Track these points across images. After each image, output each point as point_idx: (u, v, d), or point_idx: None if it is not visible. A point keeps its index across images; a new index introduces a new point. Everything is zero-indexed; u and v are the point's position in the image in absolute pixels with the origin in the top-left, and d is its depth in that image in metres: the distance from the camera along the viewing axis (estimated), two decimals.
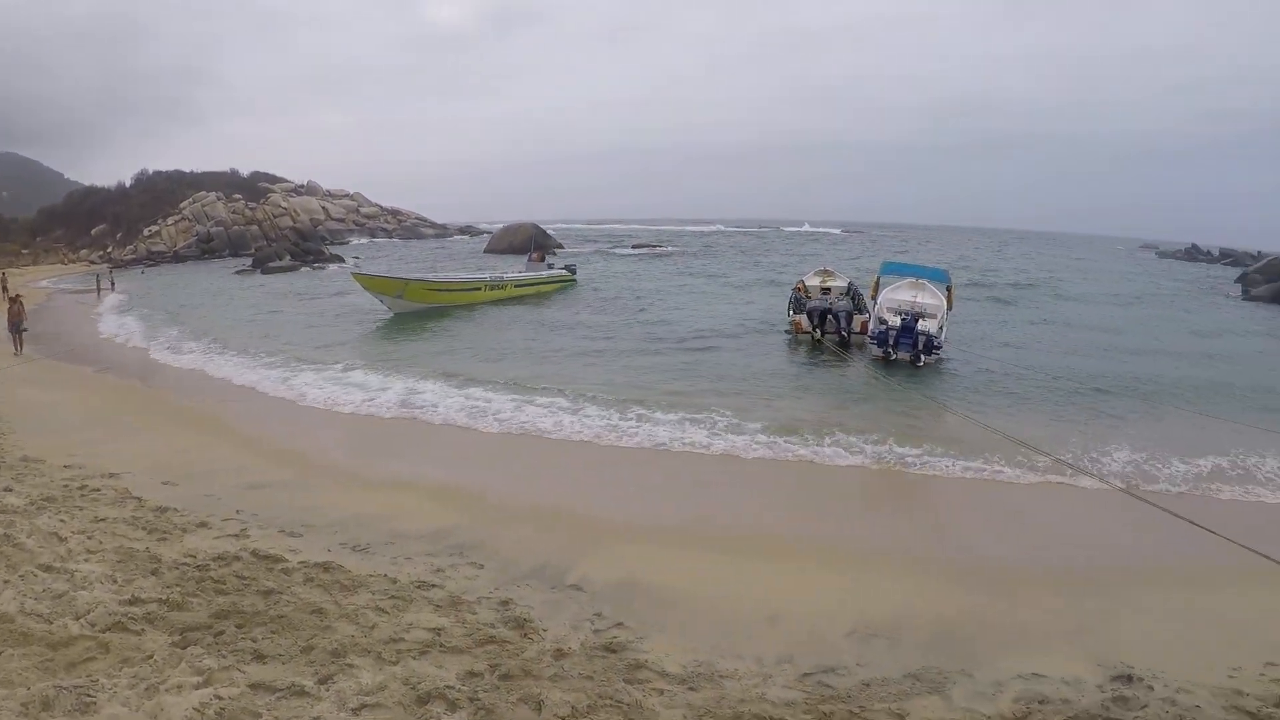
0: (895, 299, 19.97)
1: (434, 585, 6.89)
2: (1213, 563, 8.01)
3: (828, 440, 12.25)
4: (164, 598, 6.02)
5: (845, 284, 24.73)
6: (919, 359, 18.06)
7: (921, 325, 18.30)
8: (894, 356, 18.13)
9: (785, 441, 12.19)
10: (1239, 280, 50.38)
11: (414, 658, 5.38)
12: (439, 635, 5.77)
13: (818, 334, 20.88)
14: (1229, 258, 78.90)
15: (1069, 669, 5.76)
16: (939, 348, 18.36)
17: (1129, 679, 5.62)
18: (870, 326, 19.54)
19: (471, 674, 5.19)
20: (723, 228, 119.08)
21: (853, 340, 20.49)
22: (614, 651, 5.80)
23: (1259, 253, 71.05)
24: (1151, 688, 5.53)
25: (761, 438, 12.38)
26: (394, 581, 6.87)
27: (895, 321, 18.36)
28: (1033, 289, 39.16)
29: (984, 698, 5.35)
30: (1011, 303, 32.88)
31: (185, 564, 6.91)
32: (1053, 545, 8.77)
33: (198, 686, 4.73)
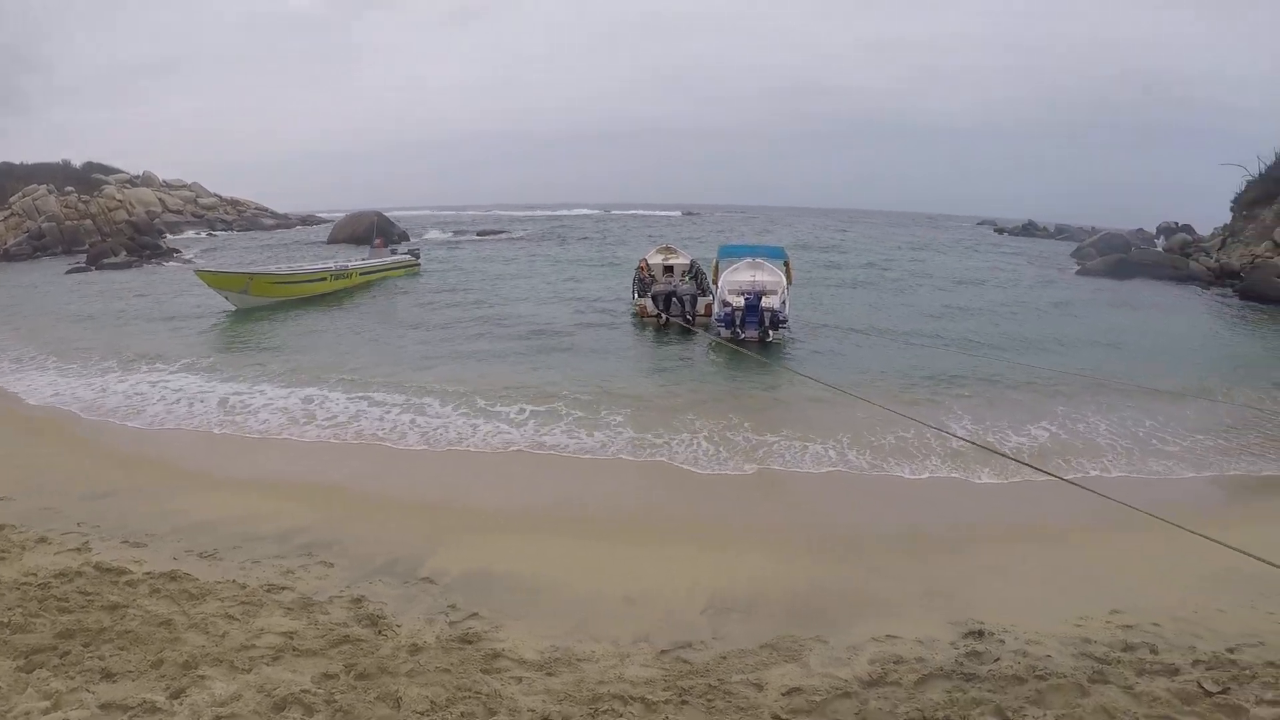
0: (735, 280, 20.28)
1: (284, 588, 6.68)
2: (1060, 518, 8.45)
3: (682, 424, 12.22)
4: (5, 620, 5.66)
5: (688, 261, 24.87)
6: (767, 335, 18.41)
7: (765, 302, 18.65)
8: (742, 336, 18.30)
9: (638, 428, 12.07)
10: (1073, 255, 53.90)
11: (267, 664, 5.20)
12: (291, 639, 5.58)
13: (663, 318, 20.80)
14: (1063, 233, 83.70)
15: (922, 629, 6.00)
16: (784, 322, 18.83)
17: (980, 634, 5.89)
18: (714, 310, 19.75)
19: (327, 676, 5.05)
20: (567, 211, 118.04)
21: (697, 323, 20.34)
22: (470, 643, 5.73)
23: (1093, 228, 75.26)
24: (1003, 641, 5.79)
25: (614, 424, 12.27)
26: (243, 587, 6.62)
27: (739, 302, 18.59)
28: (875, 268, 39.64)
29: (840, 662, 5.50)
30: (857, 282, 33.28)
31: (26, 584, 6.50)
32: (907, 512, 9.12)
33: (46, 712, 4.49)
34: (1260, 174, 52.99)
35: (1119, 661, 5.57)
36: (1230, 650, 5.97)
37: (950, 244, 62.78)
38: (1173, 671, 5.52)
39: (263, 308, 25.00)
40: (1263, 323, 28.49)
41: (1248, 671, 5.60)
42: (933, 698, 4.96)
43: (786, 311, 19.16)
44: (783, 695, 5.05)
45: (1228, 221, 54.94)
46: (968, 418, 12.84)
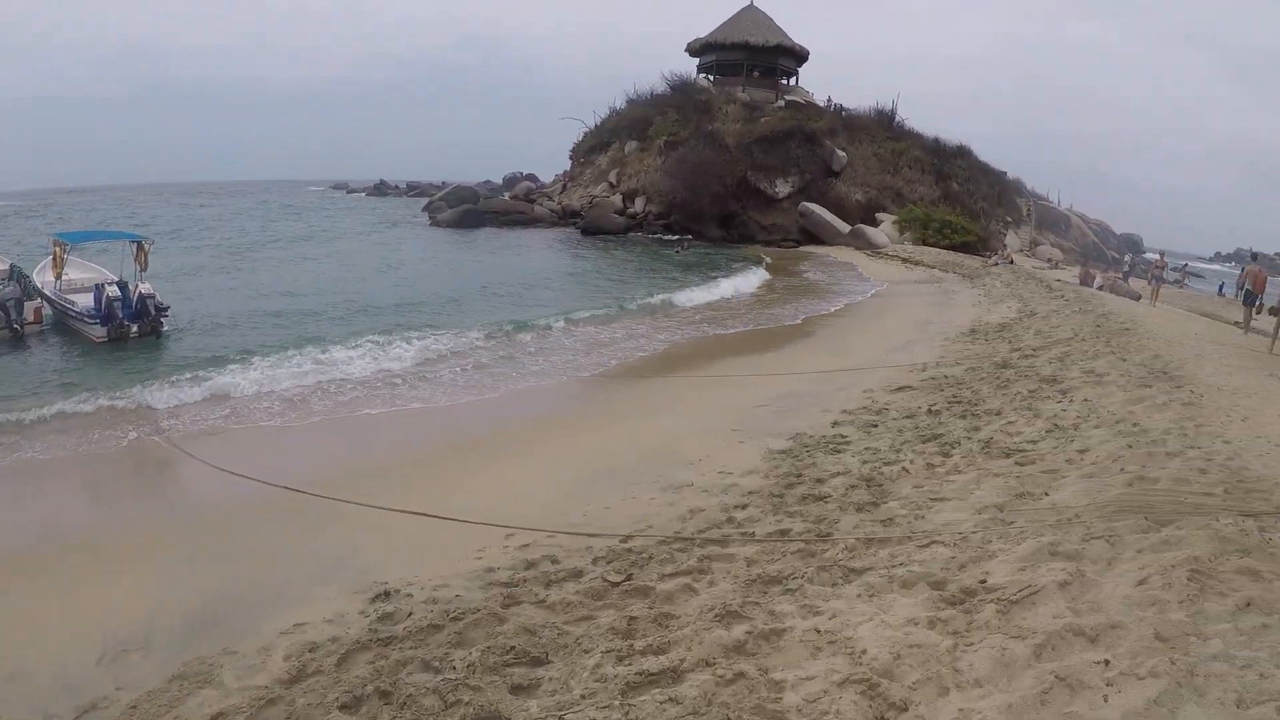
0: (84, 274, 18.18)
1: None
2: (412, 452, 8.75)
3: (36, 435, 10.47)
4: None
5: (7, 266, 21.60)
6: (159, 325, 16.46)
7: (144, 290, 16.59)
8: (134, 333, 16.02)
9: None
10: (425, 209, 58.09)
11: None
12: None
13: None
14: (415, 189, 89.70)
15: (330, 607, 5.70)
16: (167, 309, 16.92)
17: (387, 595, 5.79)
18: (50, 307, 17.32)
19: None
20: None
21: (26, 330, 16.79)
22: None
23: (443, 183, 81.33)
24: (411, 595, 5.76)
25: None
26: None
27: (114, 292, 16.24)
28: (236, 241, 37.93)
29: (255, 669, 4.98)
30: (220, 257, 31.67)
31: None
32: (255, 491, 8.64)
33: None
34: (595, 126, 60.91)
35: (525, 580, 5.89)
36: (624, 540, 6.67)
37: (305, 209, 62.63)
38: (578, 575, 6.00)
39: None
40: (608, 249, 33.71)
41: (644, 555, 6.31)
42: (358, 674, 4.73)
43: (159, 298, 16.98)
44: None
45: (568, 168, 62.45)
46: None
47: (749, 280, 30.32)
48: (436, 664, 4.69)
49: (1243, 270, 21.10)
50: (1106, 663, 3.94)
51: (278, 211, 60.26)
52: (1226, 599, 4.36)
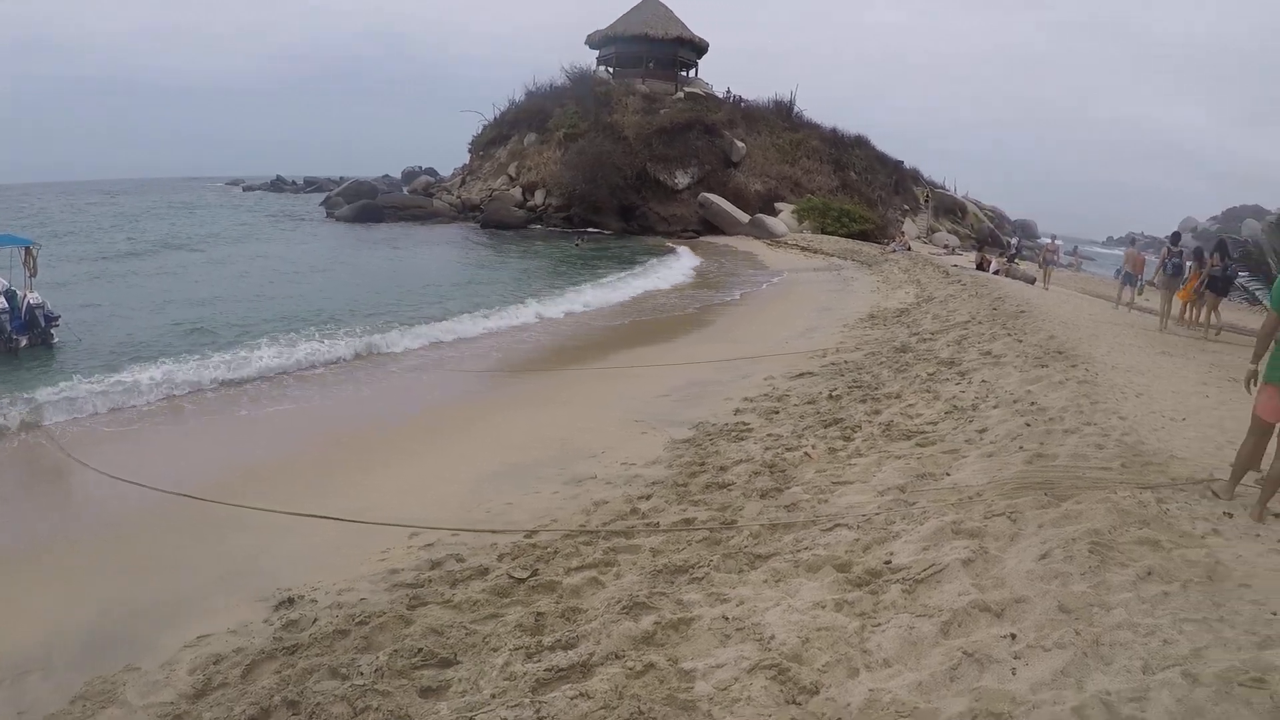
0: None
1: None
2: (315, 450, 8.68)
3: None
4: None
5: None
6: (49, 337, 15.53)
7: (32, 300, 15.40)
8: (23, 344, 15.27)
9: None
10: (323, 204, 57.17)
11: None
12: None
13: None
14: (313, 185, 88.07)
15: (233, 616, 5.59)
16: (57, 317, 15.95)
17: (291, 601, 5.70)
18: None
19: None
20: None
21: None
22: None
23: (341, 178, 79.90)
24: (315, 601, 5.70)
25: None
26: None
27: (1, 304, 15.28)
28: (130, 243, 35.77)
29: (159, 685, 4.86)
30: (112, 261, 29.80)
31: None
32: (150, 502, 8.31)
33: None
34: (495, 119, 60.43)
35: (431, 580, 5.89)
36: (529, 535, 6.71)
37: (201, 206, 60.43)
38: (484, 572, 6.02)
39: None
40: (507, 242, 33.71)
41: (550, 549, 6.36)
42: (265, 684, 4.67)
43: (49, 306, 15.84)
44: None
45: (467, 162, 61.82)
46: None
47: (648, 270, 30.74)
48: (344, 670, 4.66)
49: (1124, 254, 22.65)
50: (1013, 637, 4.12)
51: (172, 210, 57.75)
52: (1128, 569, 4.60)
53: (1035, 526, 5.41)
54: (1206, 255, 16.52)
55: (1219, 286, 16.15)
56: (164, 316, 18.60)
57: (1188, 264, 17.23)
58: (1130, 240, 22.45)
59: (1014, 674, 3.82)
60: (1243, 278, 19.90)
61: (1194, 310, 16.99)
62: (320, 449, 9.75)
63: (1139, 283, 20.79)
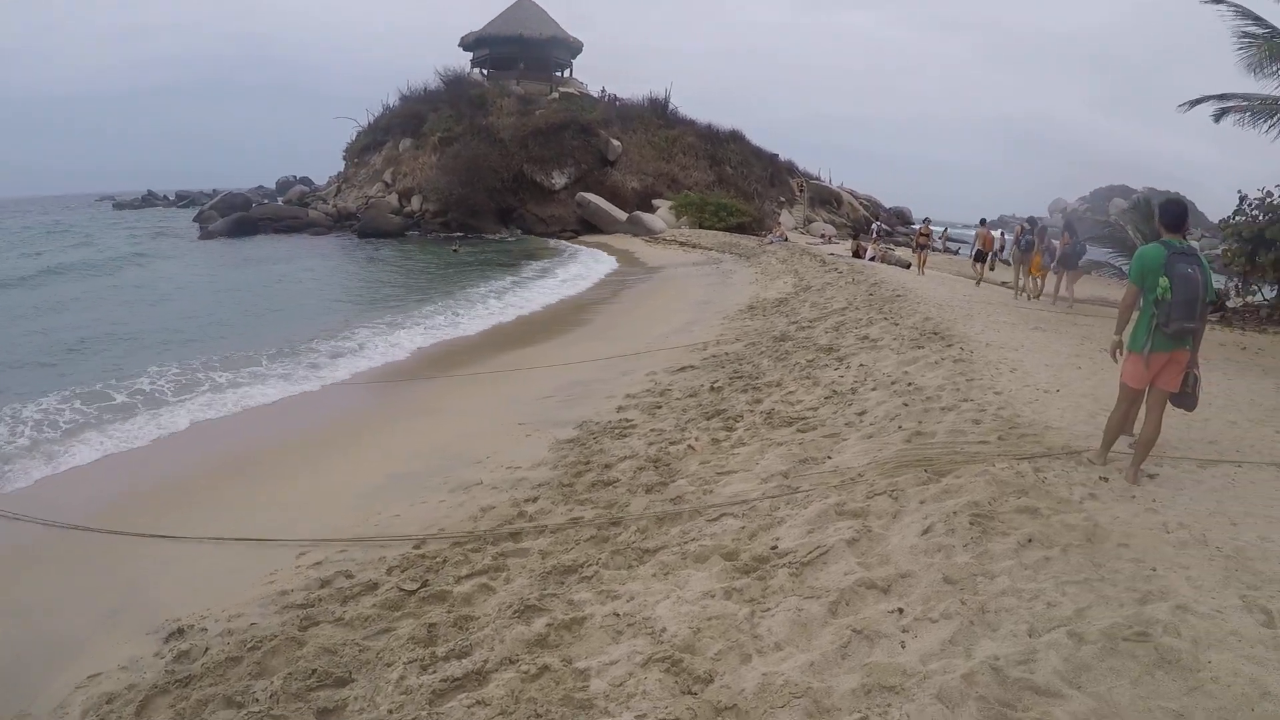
0: None
1: None
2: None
3: None
4: None
5: None
6: None
7: None
8: None
9: None
10: (196, 219, 55.07)
11: None
12: None
13: None
14: (185, 199, 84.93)
15: (122, 653, 5.46)
16: None
17: (181, 632, 5.59)
18: None
19: None
20: None
21: None
22: None
23: (214, 191, 77.18)
24: (205, 629, 5.61)
25: None
26: None
27: None
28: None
29: None
30: None
31: None
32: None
33: None
34: (369, 124, 59.36)
35: (321, 599, 5.89)
36: (417, 546, 6.75)
37: (66, 228, 56.86)
38: (373, 587, 6.05)
39: None
40: (384, 251, 33.35)
41: (439, 559, 6.41)
42: (158, 719, 4.64)
43: None
44: None
45: (342, 169, 60.58)
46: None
47: (527, 273, 30.99)
48: (239, 698, 4.67)
49: (975, 234, 24.79)
50: (900, 611, 4.38)
51: (36, 232, 54.26)
52: (1009, 537, 4.94)
53: (917, 503, 5.73)
54: (1062, 234, 17.82)
55: (1069, 261, 17.62)
56: (32, 348, 16.95)
57: (1036, 241, 18.67)
58: (980, 221, 24.33)
59: (903, 647, 4.07)
60: (1108, 253, 22.59)
61: (1042, 281, 18.82)
62: (197, 471, 9.37)
63: (989, 258, 23.66)
